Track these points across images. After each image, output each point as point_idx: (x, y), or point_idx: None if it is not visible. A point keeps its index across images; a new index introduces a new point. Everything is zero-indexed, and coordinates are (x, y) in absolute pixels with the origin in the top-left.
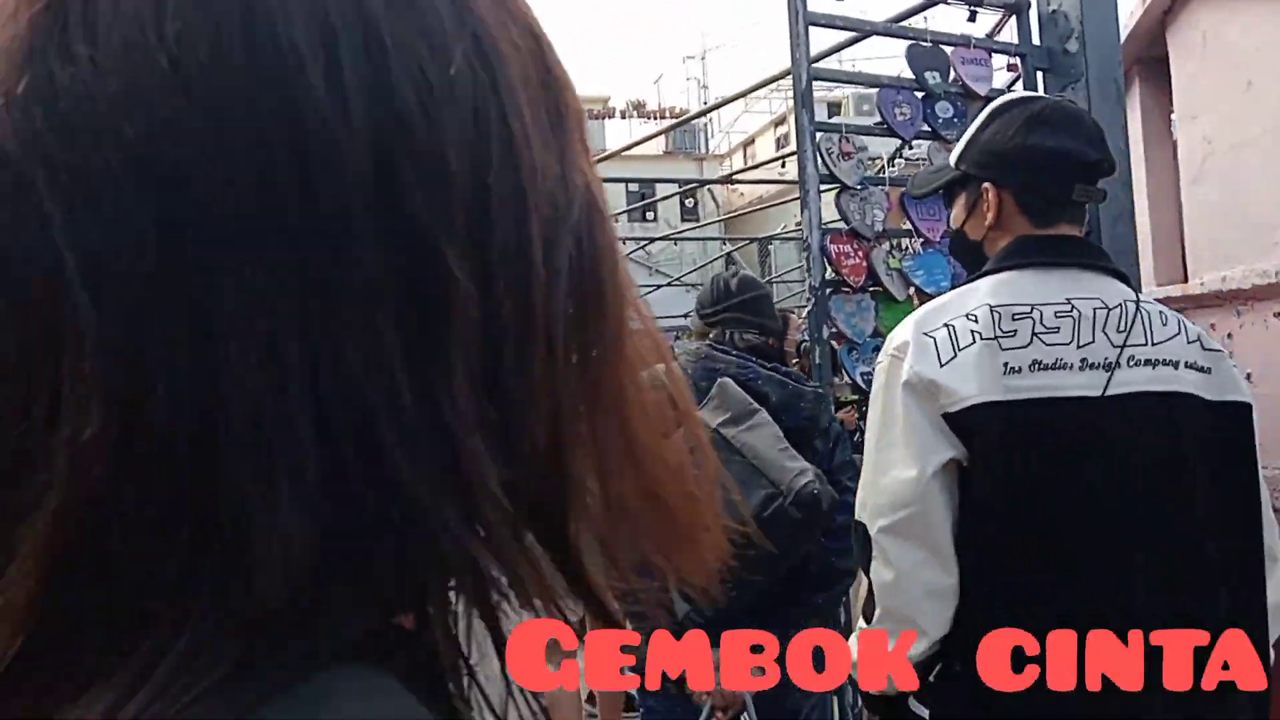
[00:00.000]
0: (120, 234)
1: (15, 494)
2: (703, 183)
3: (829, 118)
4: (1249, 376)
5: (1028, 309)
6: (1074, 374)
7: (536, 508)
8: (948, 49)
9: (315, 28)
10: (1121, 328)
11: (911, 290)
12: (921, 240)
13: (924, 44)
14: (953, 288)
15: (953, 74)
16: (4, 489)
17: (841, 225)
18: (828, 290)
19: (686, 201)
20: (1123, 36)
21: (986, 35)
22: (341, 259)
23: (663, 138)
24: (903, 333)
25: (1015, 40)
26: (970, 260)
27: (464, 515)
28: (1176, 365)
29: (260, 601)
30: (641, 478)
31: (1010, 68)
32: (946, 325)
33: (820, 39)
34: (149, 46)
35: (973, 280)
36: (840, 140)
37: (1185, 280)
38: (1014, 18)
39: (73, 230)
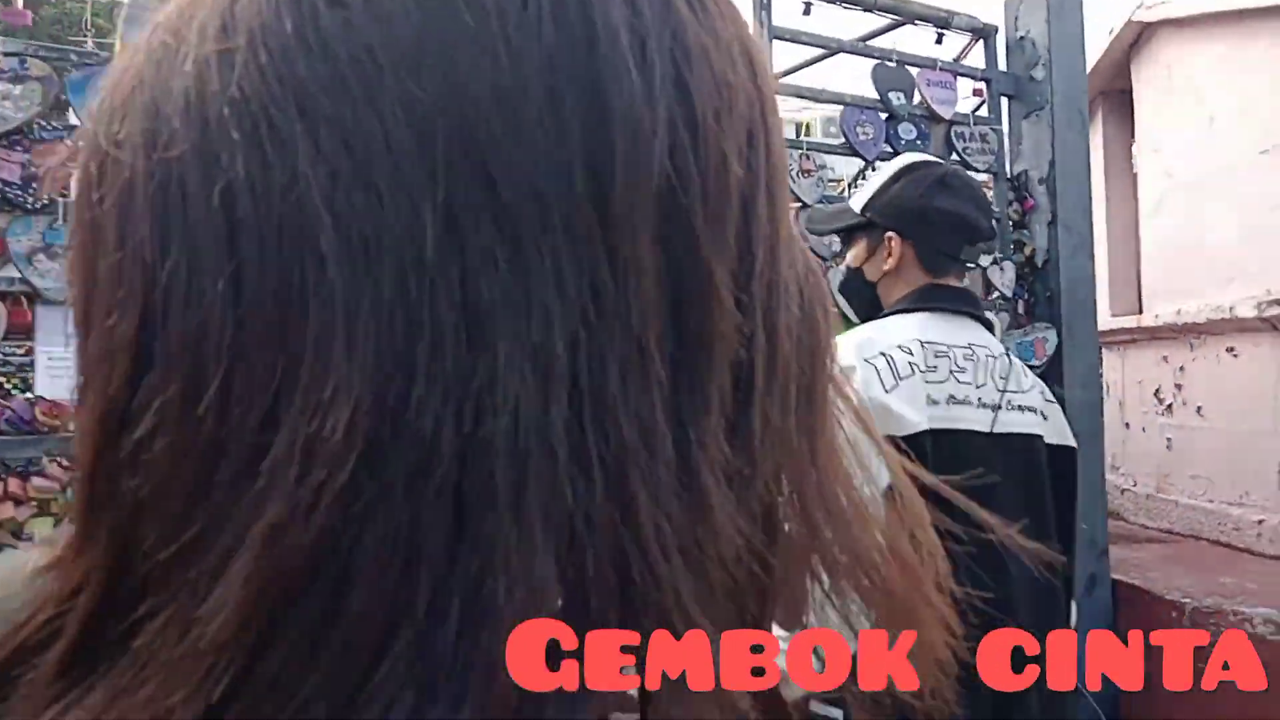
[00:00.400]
0: (394, 207)
1: (229, 505)
2: None
3: (797, 138)
4: (1199, 410)
5: (945, 349)
6: (974, 409)
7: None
8: (913, 70)
9: (626, 9)
10: (1003, 374)
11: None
12: None
13: (889, 64)
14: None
15: (917, 96)
16: (224, 484)
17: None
18: None
19: None
20: (1090, 67)
21: (954, 59)
22: (619, 267)
23: None
24: (845, 357)
25: (982, 65)
26: (861, 298)
27: (696, 581)
28: (1035, 411)
29: (500, 665)
30: (848, 541)
31: (976, 92)
32: (883, 354)
33: (788, 56)
34: (482, 9)
35: (889, 315)
36: (800, 158)
37: (1140, 312)
38: (981, 42)
39: (333, 196)
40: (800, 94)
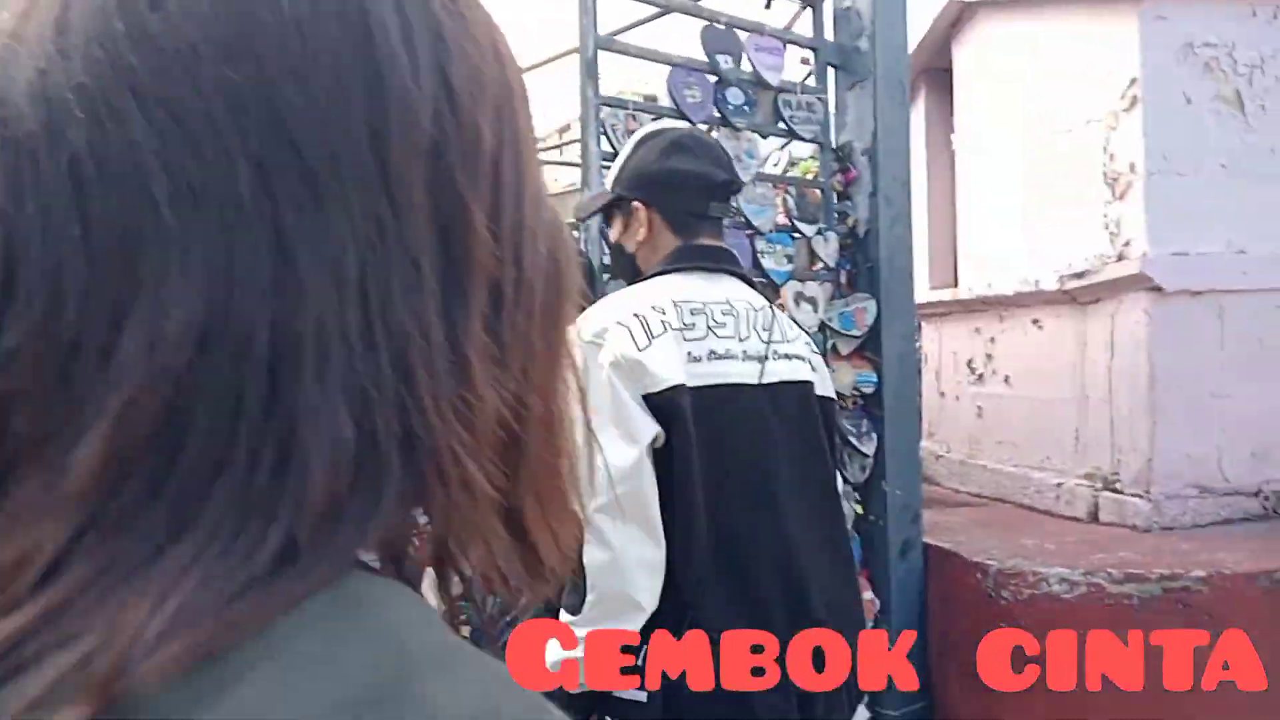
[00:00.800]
0: (215, 162)
1: (85, 390)
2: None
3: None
4: (1007, 379)
5: (701, 305)
6: (739, 363)
7: (502, 444)
8: (742, 35)
9: (396, 11)
10: (765, 326)
11: None
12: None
13: (718, 25)
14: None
15: (746, 62)
16: (83, 376)
17: None
18: (605, 278)
19: None
20: (914, 44)
21: (784, 27)
22: (398, 205)
23: None
24: (598, 320)
25: (810, 34)
26: (627, 270)
27: (468, 439)
28: (803, 359)
29: (307, 494)
30: (566, 444)
31: (804, 61)
32: (636, 315)
33: (622, 14)
34: (256, 4)
35: (645, 279)
36: (627, 118)
37: (956, 285)
38: (809, 11)
39: (165, 156)
40: (626, 52)
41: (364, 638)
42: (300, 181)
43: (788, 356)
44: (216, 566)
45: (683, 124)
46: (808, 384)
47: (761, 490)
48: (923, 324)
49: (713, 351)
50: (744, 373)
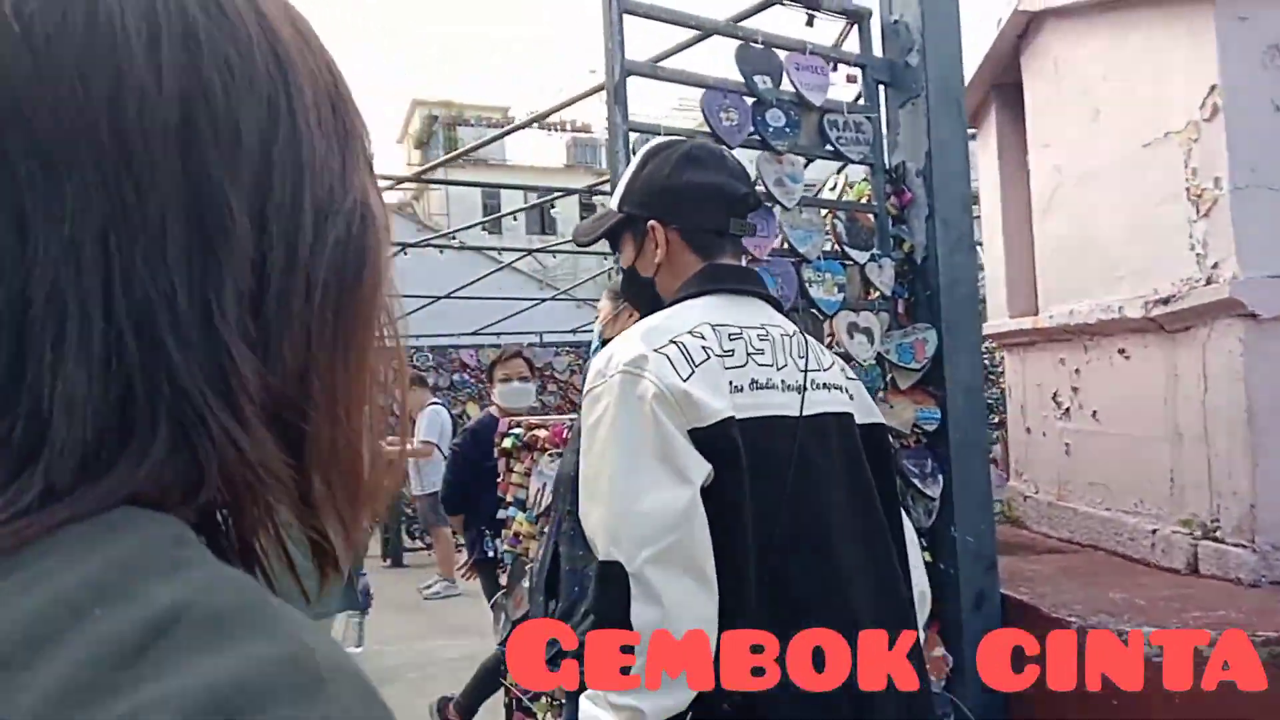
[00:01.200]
0: None
1: None
2: (566, 192)
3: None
4: (1095, 415)
5: (739, 331)
6: (780, 394)
7: (281, 418)
8: (782, 54)
9: (143, 19)
10: (802, 353)
11: None
12: (748, 258)
13: (754, 45)
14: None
15: (787, 82)
16: None
17: None
18: None
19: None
20: (980, 58)
21: (832, 45)
22: (141, 187)
23: (564, 151)
24: (632, 348)
25: (857, 51)
26: (643, 297)
27: (227, 404)
28: (841, 389)
29: (54, 442)
30: (355, 431)
31: (850, 79)
32: (674, 342)
33: (654, 43)
34: (5, 20)
35: (673, 304)
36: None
37: (1037, 313)
38: (855, 27)
39: None
40: (656, 76)
41: (105, 549)
42: (37, 163)
43: (826, 386)
44: None
45: (689, 138)
46: (848, 415)
47: (811, 532)
48: (1006, 355)
49: (754, 381)
50: (786, 404)
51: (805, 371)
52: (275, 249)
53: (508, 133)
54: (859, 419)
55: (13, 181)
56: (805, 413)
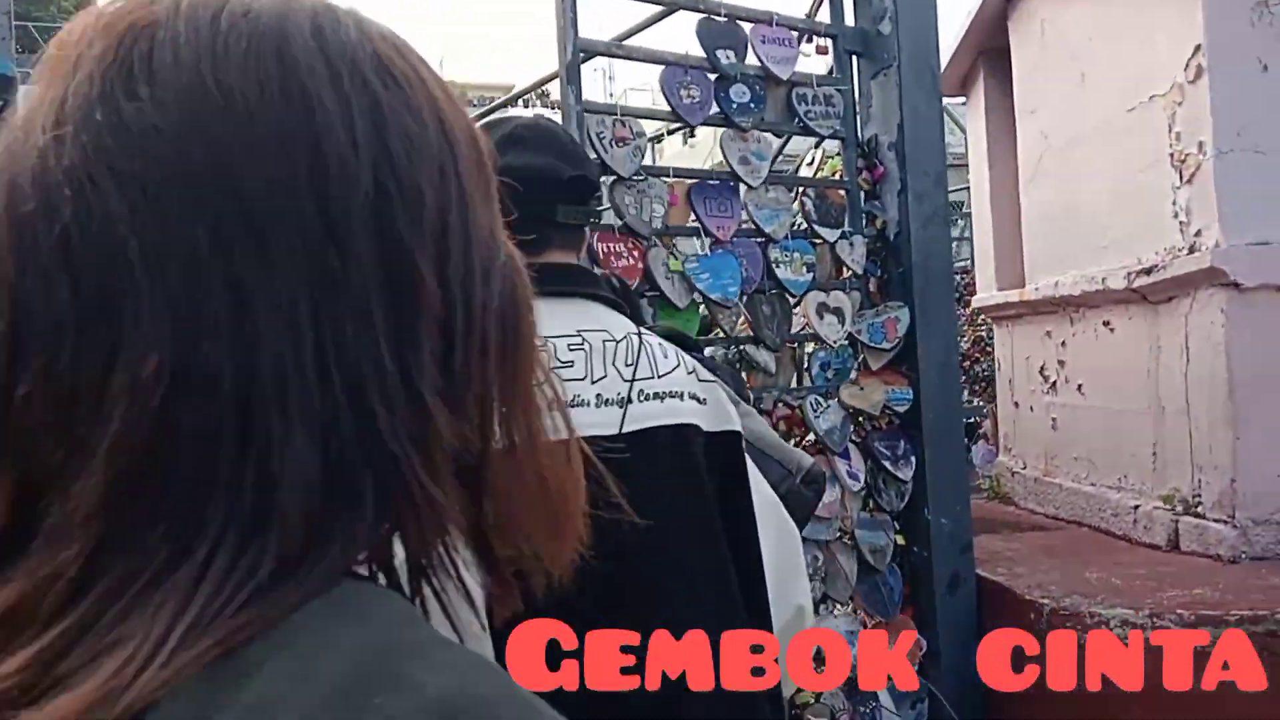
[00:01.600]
0: (178, 227)
1: (85, 430)
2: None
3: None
4: (1080, 388)
5: (542, 342)
6: (590, 411)
7: (466, 468)
8: (746, 26)
9: (333, 90)
10: (628, 360)
11: (695, 295)
12: (711, 240)
13: (717, 19)
14: (742, 293)
15: (752, 55)
16: (82, 415)
17: (615, 221)
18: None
19: None
20: (967, 22)
21: (806, 15)
22: (345, 254)
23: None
24: None
25: (828, 20)
26: None
27: (426, 462)
28: (681, 397)
29: (286, 514)
30: (537, 466)
31: (820, 50)
32: None
33: (618, 22)
34: (208, 91)
35: None
36: (615, 124)
37: (1023, 285)
38: None
39: (134, 223)
40: (610, 54)
41: (353, 632)
42: (252, 239)
43: (660, 395)
44: (225, 580)
45: (525, 114)
46: (689, 426)
47: (633, 570)
48: (995, 327)
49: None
50: (599, 421)
51: (631, 381)
52: (457, 308)
53: (486, 113)
54: (707, 426)
55: (229, 252)
56: (625, 429)
